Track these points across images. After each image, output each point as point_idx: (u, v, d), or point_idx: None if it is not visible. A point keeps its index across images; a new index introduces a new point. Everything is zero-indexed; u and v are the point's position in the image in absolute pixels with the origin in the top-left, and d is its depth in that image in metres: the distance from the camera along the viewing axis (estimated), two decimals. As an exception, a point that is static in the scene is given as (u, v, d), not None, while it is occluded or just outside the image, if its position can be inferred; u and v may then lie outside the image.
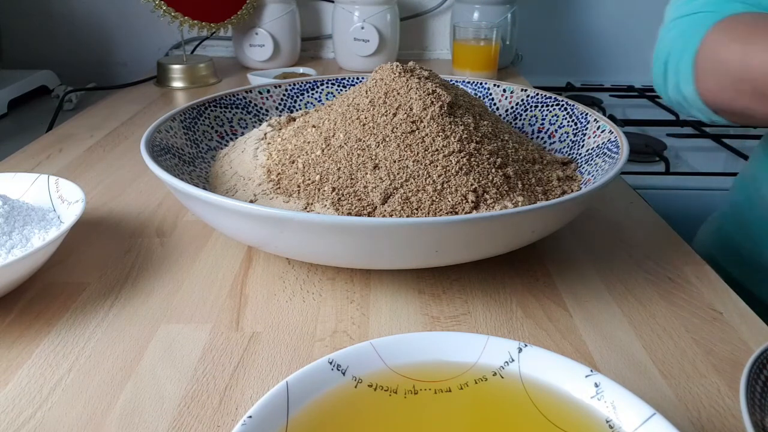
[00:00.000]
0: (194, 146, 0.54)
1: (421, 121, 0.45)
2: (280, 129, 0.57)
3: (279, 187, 0.47)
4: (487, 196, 0.43)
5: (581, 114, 0.57)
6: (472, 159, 0.44)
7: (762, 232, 0.62)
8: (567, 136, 0.57)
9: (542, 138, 0.60)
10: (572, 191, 0.48)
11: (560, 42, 1.33)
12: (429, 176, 0.43)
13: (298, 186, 0.45)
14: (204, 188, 0.42)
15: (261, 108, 0.63)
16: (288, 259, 0.47)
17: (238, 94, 0.62)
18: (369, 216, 0.42)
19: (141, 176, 0.63)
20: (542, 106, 0.61)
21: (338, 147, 0.45)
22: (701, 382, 0.35)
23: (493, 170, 0.44)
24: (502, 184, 0.44)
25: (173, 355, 0.36)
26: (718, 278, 0.45)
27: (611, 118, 1.08)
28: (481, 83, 0.65)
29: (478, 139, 0.46)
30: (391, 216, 0.41)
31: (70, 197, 0.46)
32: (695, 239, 0.73)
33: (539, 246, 0.49)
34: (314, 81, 0.66)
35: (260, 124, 0.60)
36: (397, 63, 0.50)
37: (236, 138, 0.59)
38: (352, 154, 0.45)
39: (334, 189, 0.43)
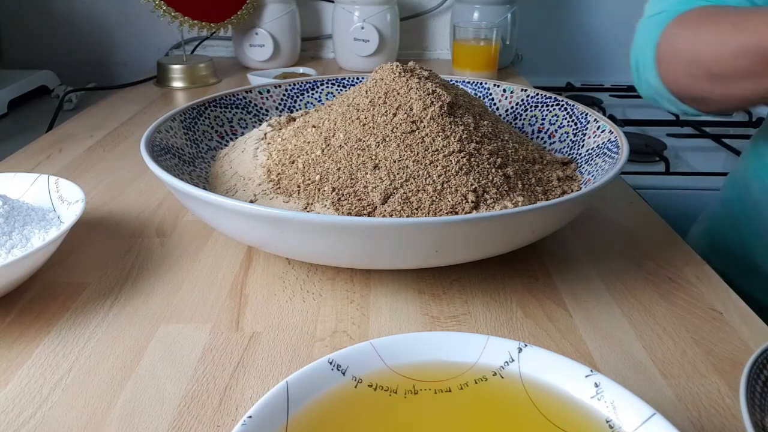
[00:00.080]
0: (194, 146, 0.54)
1: (421, 121, 0.45)
2: (280, 129, 0.57)
3: (279, 187, 0.47)
4: (487, 196, 0.43)
5: (581, 114, 0.57)
6: (472, 159, 0.44)
7: (752, 230, 0.62)
8: (567, 136, 0.57)
9: (542, 138, 0.60)
10: (572, 191, 0.48)
11: (560, 42, 1.33)
12: (429, 176, 0.43)
13: (298, 186, 0.45)
14: (204, 188, 0.42)
15: (261, 108, 0.63)
16: (288, 259, 0.47)
17: (238, 94, 0.62)
18: (369, 216, 0.42)
19: (141, 176, 0.63)
20: (542, 106, 0.61)
21: (338, 147, 0.45)
22: (701, 382, 0.35)
23: (493, 170, 0.44)
24: (502, 184, 0.44)
25: (173, 355, 0.36)
26: (718, 278, 0.45)
27: (611, 118, 1.08)
28: (481, 83, 0.65)
29: (478, 139, 0.46)
30: (391, 216, 0.41)
31: (70, 197, 0.46)
32: (687, 238, 0.73)
33: (539, 246, 0.49)
34: (314, 81, 0.66)
35: (260, 124, 0.60)
36: (397, 63, 0.50)
37: (236, 138, 0.59)
38: (352, 154, 0.45)
39: (334, 189, 0.43)
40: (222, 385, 0.34)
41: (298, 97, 0.65)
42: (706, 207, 0.75)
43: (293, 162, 0.47)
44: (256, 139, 0.55)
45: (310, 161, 0.46)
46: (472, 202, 0.42)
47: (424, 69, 0.51)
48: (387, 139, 0.44)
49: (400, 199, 0.42)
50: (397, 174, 0.43)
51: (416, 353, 0.29)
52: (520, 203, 0.43)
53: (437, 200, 0.42)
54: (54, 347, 0.37)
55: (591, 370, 0.27)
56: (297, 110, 0.65)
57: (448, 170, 0.43)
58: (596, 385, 0.27)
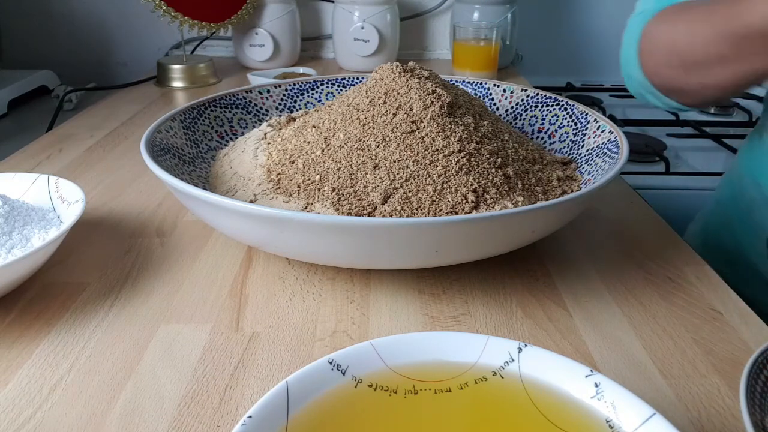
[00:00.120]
0: (194, 146, 0.54)
1: (421, 121, 0.45)
2: (280, 129, 0.57)
3: (279, 187, 0.47)
4: (487, 196, 0.43)
5: (581, 114, 0.57)
6: (472, 159, 0.44)
7: (745, 229, 0.63)
8: (567, 136, 0.57)
9: (542, 138, 0.60)
10: (572, 191, 0.48)
11: (560, 42, 1.33)
12: (429, 176, 0.43)
13: (298, 186, 0.45)
14: (204, 188, 0.42)
15: (261, 108, 0.63)
16: (288, 259, 0.47)
17: (238, 94, 0.62)
18: (369, 216, 0.42)
19: (141, 176, 0.63)
20: (542, 106, 0.61)
21: (338, 147, 0.45)
22: (701, 382, 0.35)
23: (493, 170, 0.44)
24: (502, 184, 0.44)
25: (173, 355, 0.36)
26: (718, 278, 0.45)
27: (611, 118, 1.08)
28: (481, 83, 0.65)
29: (478, 139, 0.46)
30: (391, 216, 0.41)
31: (70, 197, 0.46)
32: (683, 238, 0.74)
33: (539, 246, 0.49)
34: (314, 81, 0.66)
35: (260, 124, 0.60)
36: (397, 63, 0.50)
37: (236, 138, 0.59)
38: (352, 154, 0.45)
39: (334, 189, 0.43)
40: (222, 385, 0.34)
41: (298, 97, 0.65)
42: (703, 206, 0.75)
43: (293, 162, 0.47)
44: (256, 139, 0.55)
45: (310, 161, 0.46)
46: (472, 202, 0.42)
47: (424, 69, 0.51)
48: (387, 139, 0.44)
49: (400, 199, 0.42)
50: (397, 174, 0.43)
51: (416, 353, 0.29)
52: (520, 203, 0.43)
53: (437, 200, 0.42)
54: (54, 347, 0.37)
55: (591, 370, 0.27)
56: (297, 110, 0.65)
57: (448, 170, 0.43)
58: (596, 385, 0.27)
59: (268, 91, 0.64)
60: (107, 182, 0.61)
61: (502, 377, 0.28)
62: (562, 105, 0.60)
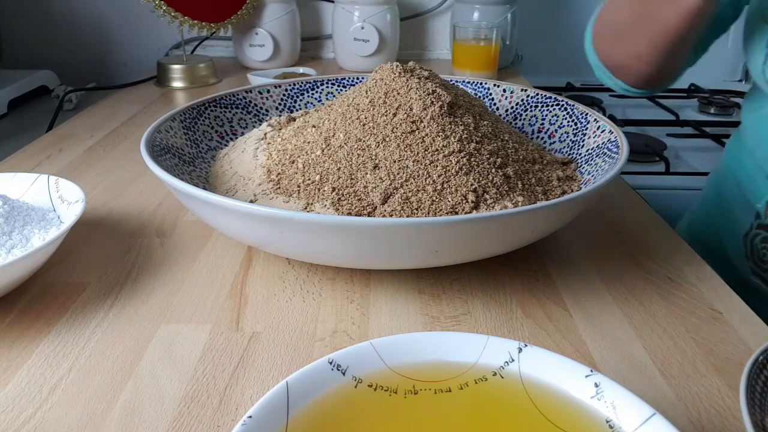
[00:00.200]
0: (194, 146, 0.54)
1: (421, 121, 0.45)
2: (280, 129, 0.57)
3: (279, 187, 0.47)
4: (487, 196, 0.43)
5: (581, 114, 0.57)
6: (472, 159, 0.44)
7: (725, 226, 0.64)
8: (567, 136, 0.57)
9: (542, 138, 0.60)
10: (572, 191, 0.48)
11: (560, 42, 1.33)
12: (429, 176, 0.43)
13: (298, 186, 0.45)
14: (204, 188, 0.42)
15: (261, 108, 0.63)
16: (288, 259, 0.47)
17: (238, 94, 0.62)
18: (369, 216, 0.42)
19: (141, 176, 0.63)
20: (542, 106, 0.61)
21: (338, 147, 0.45)
22: (701, 382, 0.35)
23: (493, 170, 0.44)
24: (502, 184, 0.44)
25: (173, 355, 0.36)
26: (718, 278, 0.45)
27: (611, 118, 1.08)
28: (481, 83, 0.65)
29: (478, 139, 0.46)
30: (391, 216, 0.41)
31: (70, 197, 0.46)
32: None
33: (539, 246, 0.49)
34: (314, 81, 0.66)
35: (260, 124, 0.60)
36: (397, 63, 0.50)
37: (236, 138, 0.59)
38: (352, 154, 0.45)
39: (334, 189, 0.43)
40: (222, 385, 0.34)
41: (298, 97, 0.65)
42: (692, 205, 0.76)
43: (293, 162, 0.47)
44: (256, 139, 0.55)
45: (310, 161, 0.46)
46: (472, 202, 0.42)
47: (424, 69, 0.51)
48: (387, 139, 0.44)
49: (400, 199, 0.42)
50: (397, 174, 0.43)
51: (416, 353, 0.29)
52: (520, 203, 0.43)
53: (437, 200, 0.42)
54: (54, 347, 0.37)
55: (591, 370, 0.27)
56: (297, 110, 0.65)
57: (448, 170, 0.43)
58: (596, 385, 0.27)
59: (268, 91, 0.64)
60: (107, 182, 0.61)
61: (502, 377, 0.28)
62: (562, 105, 0.60)
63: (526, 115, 0.62)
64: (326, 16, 1.20)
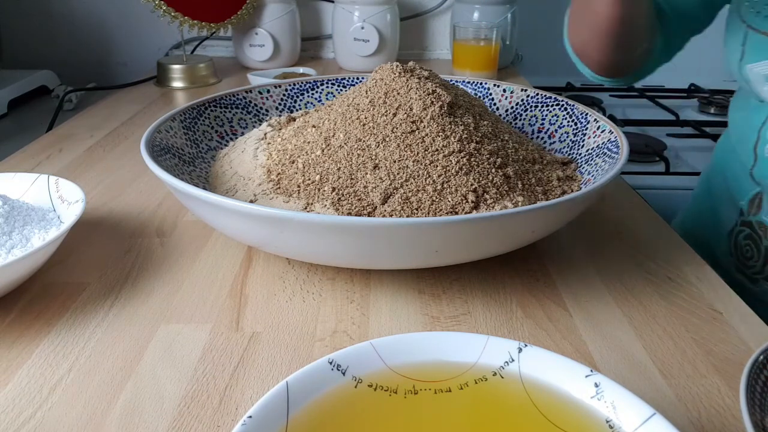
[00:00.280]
0: (194, 146, 0.54)
1: (421, 121, 0.45)
2: (280, 129, 0.57)
3: (279, 187, 0.47)
4: (487, 196, 0.43)
5: (581, 114, 0.57)
6: (472, 159, 0.44)
7: (712, 226, 0.65)
8: (567, 136, 0.57)
9: (542, 138, 0.60)
10: (572, 191, 0.48)
11: (560, 42, 1.33)
12: (429, 176, 0.43)
13: (298, 186, 0.45)
14: (204, 188, 0.42)
15: (261, 108, 0.63)
16: (288, 259, 0.47)
17: (238, 94, 0.62)
18: (369, 216, 0.42)
19: (141, 176, 0.63)
20: (542, 106, 0.61)
21: (338, 147, 0.45)
22: (701, 382, 0.35)
23: (493, 170, 0.44)
24: (502, 184, 0.44)
25: (173, 355, 0.36)
26: (718, 278, 0.45)
27: (611, 118, 1.08)
28: (481, 83, 0.65)
29: (478, 139, 0.46)
30: (391, 216, 0.41)
31: (70, 197, 0.46)
32: None
33: (539, 246, 0.49)
34: (314, 81, 0.66)
35: (260, 124, 0.60)
36: (397, 63, 0.50)
37: (236, 138, 0.59)
38: (352, 154, 0.45)
39: (334, 189, 0.43)
40: (222, 385, 0.34)
41: (298, 97, 0.65)
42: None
43: (293, 162, 0.47)
44: (256, 139, 0.55)
45: (310, 161, 0.46)
46: (472, 202, 0.42)
47: (424, 69, 0.51)
48: (387, 139, 0.44)
49: (400, 199, 0.42)
50: (397, 174, 0.43)
51: (416, 353, 0.29)
52: (520, 203, 0.43)
53: (437, 200, 0.42)
54: (54, 347, 0.37)
55: (591, 370, 0.27)
56: (297, 110, 0.65)
57: (448, 170, 0.43)
58: (596, 385, 0.27)
59: (268, 91, 0.64)
60: (107, 182, 0.61)
61: (502, 377, 0.28)
62: (562, 105, 0.60)
63: (526, 115, 0.62)
64: (326, 16, 1.20)
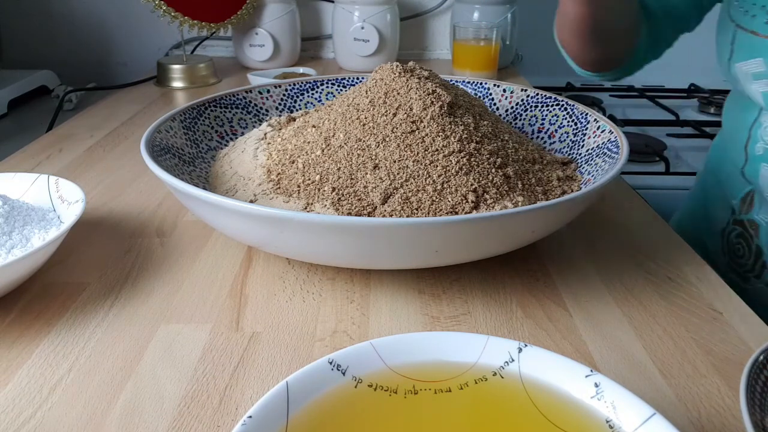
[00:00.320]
0: (194, 146, 0.54)
1: (421, 121, 0.45)
2: (280, 129, 0.57)
3: (279, 187, 0.47)
4: (487, 196, 0.43)
5: (581, 114, 0.57)
6: (472, 159, 0.44)
7: (705, 225, 0.66)
8: (567, 136, 0.57)
9: (542, 138, 0.60)
10: (572, 191, 0.48)
11: (560, 42, 1.33)
12: (429, 176, 0.43)
13: (298, 186, 0.45)
14: (204, 188, 0.42)
15: (261, 108, 0.63)
16: (288, 259, 0.47)
17: (238, 94, 0.62)
18: (369, 216, 0.42)
19: (141, 176, 0.63)
20: (542, 106, 0.61)
21: (338, 147, 0.45)
22: (701, 382, 0.35)
23: (493, 170, 0.44)
24: (502, 184, 0.44)
25: (173, 355, 0.36)
26: (718, 278, 0.45)
27: (611, 118, 1.08)
28: (481, 83, 0.65)
29: (478, 139, 0.46)
30: (391, 216, 0.41)
31: (70, 197, 0.46)
32: None
33: (539, 246, 0.49)
34: (314, 81, 0.66)
35: (260, 124, 0.60)
36: (397, 63, 0.50)
37: (236, 138, 0.59)
38: (352, 154, 0.45)
39: (334, 189, 0.43)
40: (222, 385, 0.34)
41: (298, 97, 0.65)
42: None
43: (293, 162, 0.47)
44: (256, 139, 0.55)
45: (310, 161, 0.46)
46: (472, 202, 0.42)
47: (424, 69, 0.51)
48: (387, 139, 0.44)
49: (400, 199, 0.42)
50: (397, 174, 0.43)
51: (416, 353, 0.29)
52: (520, 203, 0.43)
53: (437, 200, 0.42)
54: (54, 347, 0.37)
55: (591, 370, 0.27)
56: (297, 110, 0.65)
57: (448, 170, 0.43)
58: (596, 385, 0.27)
59: (268, 91, 0.64)
60: (107, 182, 0.61)
61: (502, 377, 0.28)
62: (562, 105, 0.60)
63: (526, 115, 0.62)
64: (326, 16, 1.20)
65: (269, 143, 0.54)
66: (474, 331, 0.39)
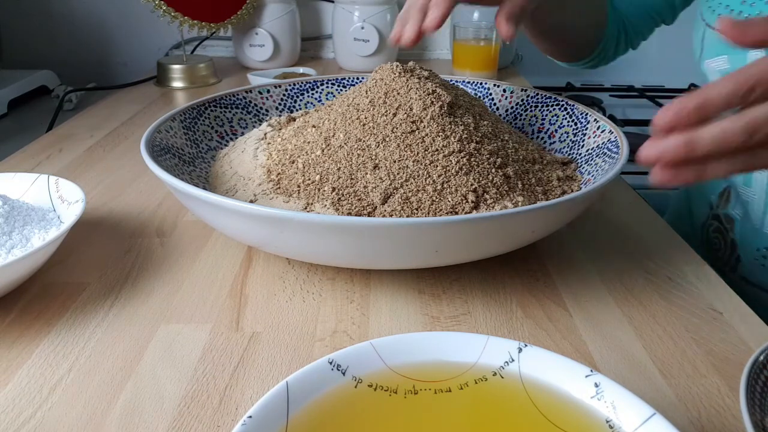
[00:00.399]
0: (194, 146, 0.54)
1: (421, 121, 0.45)
2: (280, 129, 0.57)
3: (279, 187, 0.47)
4: (487, 196, 0.43)
5: (581, 114, 0.57)
6: (472, 159, 0.44)
7: (689, 218, 0.67)
8: (567, 136, 0.57)
9: (542, 138, 0.60)
10: (572, 191, 0.48)
11: (560, 42, 1.33)
12: (429, 176, 0.43)
13: (298, 186, 0.45)
14: (204, 188, 0.42)
15: (261, 108, 0.63)
16: (288, 259, 0.47)
17: (238, 94, 0.62)
18: (369, 216, 0.42)
19: (141, 176, 0.63)
20: (542, 106, 0.61)
21: (338, 147, 0.45)
22: (701, 382, 0.35)
23: (493, 170, 0.44)
24: (502, 184, 0.44)
25: (173, 355, 0.36)
26: (718, 278, 0.45)
27: (611, 118, 1.08)
28: (481, 83, 0.65)
29: (478, 139, 0.46)
30: (391, 216, 0.41)
31: (70, 197, 0.46)
32: None
33: (539, 246, 0.49)
34: (314, 81, 0.66)
35: (260, 124, 0.60)
36: (397, 63, 0.50)
37: (236, 138, 0.59)
38: (352, 154, 0.44)
39: (334, 189, 0.43)
40: (222, 385, 0.34)
41: (298, 97, 0.65)
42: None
43: (293, 162, 0.47)
44: (256, 139, 0.55)
45: (310, 161, 0.46)
46: (472, 202, 0.42)
47: (424, 69, 0.51)
48: (387, 139, 0.44)
49: (400, 199, 0.42)
50: (397, 174, 0.43)
51: (416, 353, 0.29)
52: (520, 203, 0.43)
53: (437, 200, 0.42)
54: (54, 347, 0.37)
55: (591, 370, 0.27)
56: (297, 110, 0.65)
57: (448, 170, 0.43)
58: (596, 385, 0.27)
59: (268, 91, 0.64)
60: (107, 182, 0.61)
61: (502, 377, 0.28)
62: (562, 105, 0.59)
63: (526, 115, 0.62)
64: (326, 16, 1.20)
65: (269, 143, 0.54)
66: (474, 331, 0.39)
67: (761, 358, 0.30)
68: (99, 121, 0.81)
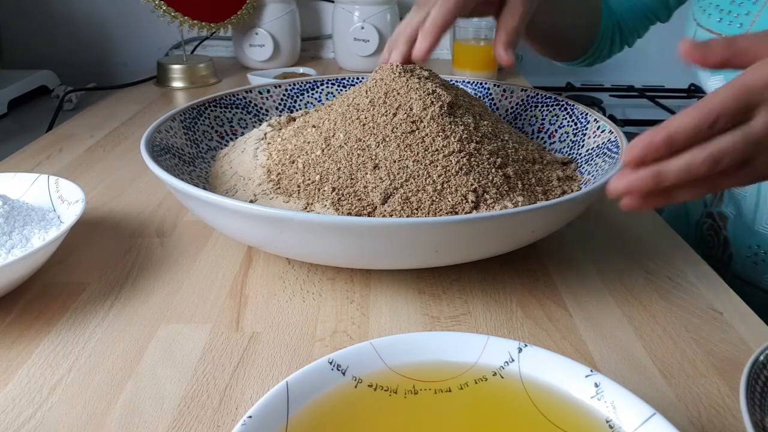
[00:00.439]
0: (194, 146, 0.54)
1: (421, 121, 0.45)
2: (280, 129, 0.57)
3: (279, 187, 0.47)
4: (487, 196, 0.43)
5: (581, 114, 0.57)
6: (472, 159, 0.44)
7: (685, 217, 0.67)
8: (567, 136, 0.57)
9: (542, 138, 0.60)
10: (572, 191, 0.48)
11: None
12: (429, 176, 0.43)
13: (298, 186, 0.45)
14: (204, 188, 0.42)
15: (261, 108, 0.63)
16: (288, 259, 0.47)
17: (238, 94, 0.61)
18: (369, 216, 0.42)
19: (141, 176, 0.63)
20: (542, 106, 0.61)
21: (338, 147, 0.45)
22: (701, 382, 0.35)
23: (493, 170, 0.44)
24: (502, 184, 0.44)
25: (173, 355, 0.36)
26: (718, 278, 0.45)
27: (611, 118, 1.08)
28: (481, 83, 0.65)
29: (478, 139, 0.46)
30: (391, 216, 0.41)
31: (70, 197, 0.46)
32: None
33: (539, 246, 0.49)
34: (314, 81, 0.66)
35: (260, 124, 0.60)
36: (397, 63, 0.50)
37: (236, 138, 0.59)
38: (352, 154, 0.44)
39: (334, 189, 0.43)
40: (222, 385, 0.34)
41: (298, 97, 0.65)
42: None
43: (293, 162, 0.47)
44: (256, 139, 0.55)
45: (310, 161, 0.46)
46: (472, 202, 0.42)
47: (424, 69, 0.51)
48: (387, 139, 0.44)
49: (400, 199, 0.42)
50: (397, 174, 0.43)
51: (416, 353, 0.29)
52: (520, 203, 0.43)
53: (437, 200, 0.42)
54: (54, 347, 0.37)
55: (591, 370, 0.27)
56: (297, 110, 0.65)
57: (448, 170, 0.43)
58: (596, 385, 0.27)
59: (268, 91, 0.64)
60: (107, 182, 0.61)
61: (502, 377, 0.28)
62: (562, 105, 0.59)
63: (526, 115, 0.62)
64: (326, 16, 1.20)
65: (269, 143, 0.54)
66: (474, 331, 0.39)
67: (761, 358, 0.30)
68: (99, 121, 0.81)
